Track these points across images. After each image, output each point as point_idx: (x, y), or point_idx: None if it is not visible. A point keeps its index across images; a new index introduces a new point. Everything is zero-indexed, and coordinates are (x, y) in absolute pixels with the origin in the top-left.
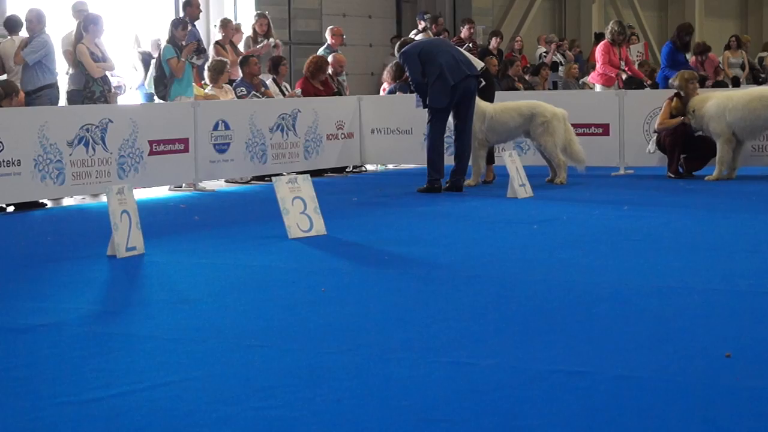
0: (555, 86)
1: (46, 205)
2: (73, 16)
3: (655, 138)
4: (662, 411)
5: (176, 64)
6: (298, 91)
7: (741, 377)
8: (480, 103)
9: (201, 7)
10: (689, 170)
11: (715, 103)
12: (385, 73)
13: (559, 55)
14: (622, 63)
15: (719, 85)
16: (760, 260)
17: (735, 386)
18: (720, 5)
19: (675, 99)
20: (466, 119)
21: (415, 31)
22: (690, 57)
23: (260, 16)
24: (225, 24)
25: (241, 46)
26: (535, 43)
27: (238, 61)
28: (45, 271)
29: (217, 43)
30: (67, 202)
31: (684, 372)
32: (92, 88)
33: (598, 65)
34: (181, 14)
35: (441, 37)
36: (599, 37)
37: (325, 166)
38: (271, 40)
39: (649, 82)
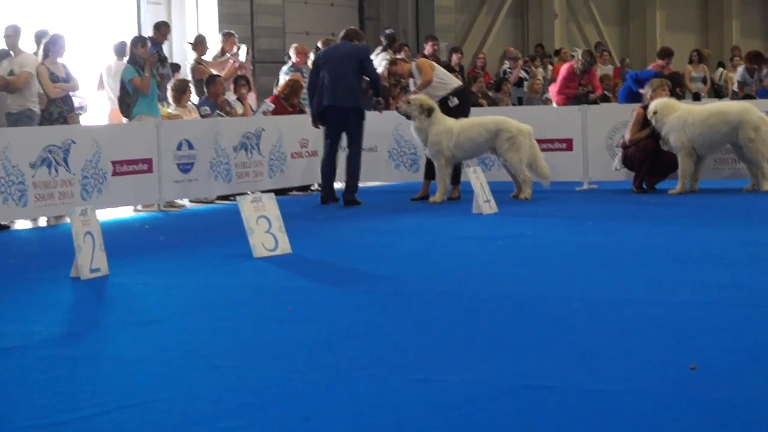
0: (520, 102)
1: (9, 227)
2: (35, 42)
3: (620, 155)
4: (630, 424)
5: (140, 82)
6: (271, 105)
7: (709, 389)
8: (447, 121)
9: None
10: (649, 184)
11: (677, 117)
12: None
13: (523, 72)
14: (581, 89)
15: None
16: (725, 272)
17: (701, 398)
18: (680, 20)
19: (641, 110)
20: (351, 138)
21: (379, 49)
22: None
23: (228, 35)
24: (201, 41)
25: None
26: (498, 59)
27: (204, 80)
28: (8, 294)
29: (198, 62)
30: (30, 224)
31: (652, 384)
32: (50, 109)
33: (557, 86)
34: (147, 35)
35: (360, 46)
36: (558, 53)
37: (290, 185)
38: (243, 47)
39: (599, 94)
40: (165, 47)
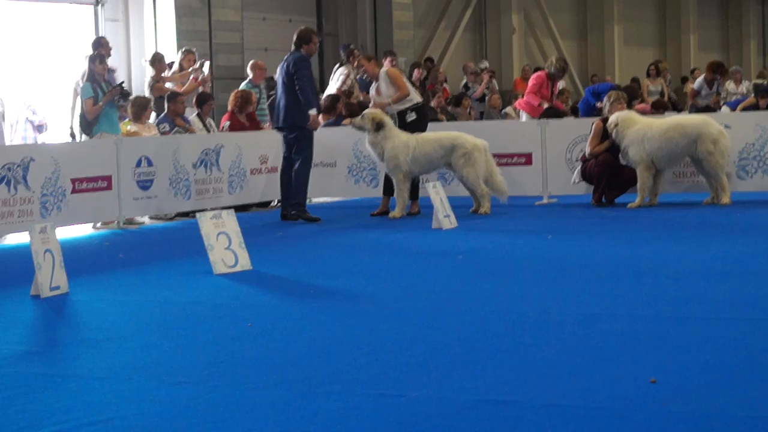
0: (482, 116)
1: None
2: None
3: (579, 168)
4: None
5: (91, 105)
6: (226, 123)
7: (666, 403)
8: (402, 135)
9: (122, 44)
10: (608, 198)
11: (636, 130)
12: None
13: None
14: (554, 97)
15: None
16: (683, 286)
17: (661, 412)
18: (638, 34)
19: (600, 123)
20: (298, 150)
21: (338, 64)
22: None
23: (187, 52)
24: (160, 59)
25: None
26: (456, 74)
27: (166, 96)
28: None
29: (156, 81)
30: None
31: (610, 398)
32: None
33: (526, 91)
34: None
35: (292, 56)
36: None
37: (250, 201)
38: (206, 63)
39: (568, 110)
40: (123, 64)
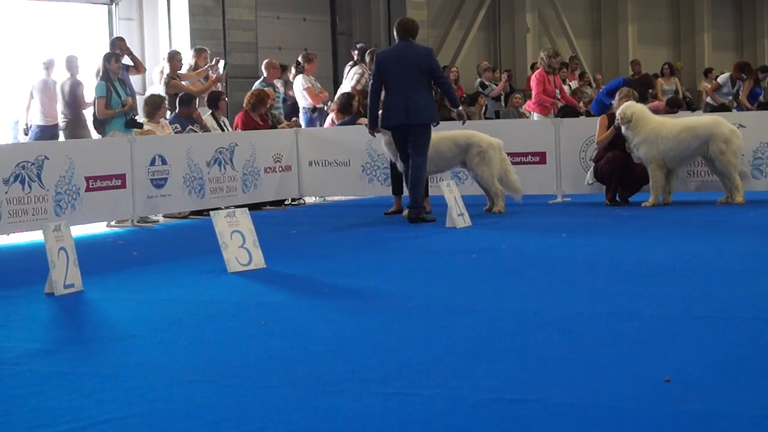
0: (497, 115)
1: None
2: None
3: (592, 168)
4: None
5: (103, 104)
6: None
7: (680, 402)
8: None
9: (137, 43)
10: (622, 197)
11: (650, 129)
12: (332, 104)
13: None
14: (557, 91)
15: None
16: (696, 285)
17: (675, 411)
18: (653, 33)
19: (606, 117)
20: (417, 149)
21: (351, 63)
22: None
23: (200, 51)
24: (173, 56)
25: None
26: (469, 73)
27: (178, 97)
28: None
29: (171, 78)
30: (3, 240)
31: (624, 397)
32: None
33: (533, 94)
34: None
35: (424, 49)
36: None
37: (264, 200)
38: (222, 61)
39: (583, 109)
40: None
